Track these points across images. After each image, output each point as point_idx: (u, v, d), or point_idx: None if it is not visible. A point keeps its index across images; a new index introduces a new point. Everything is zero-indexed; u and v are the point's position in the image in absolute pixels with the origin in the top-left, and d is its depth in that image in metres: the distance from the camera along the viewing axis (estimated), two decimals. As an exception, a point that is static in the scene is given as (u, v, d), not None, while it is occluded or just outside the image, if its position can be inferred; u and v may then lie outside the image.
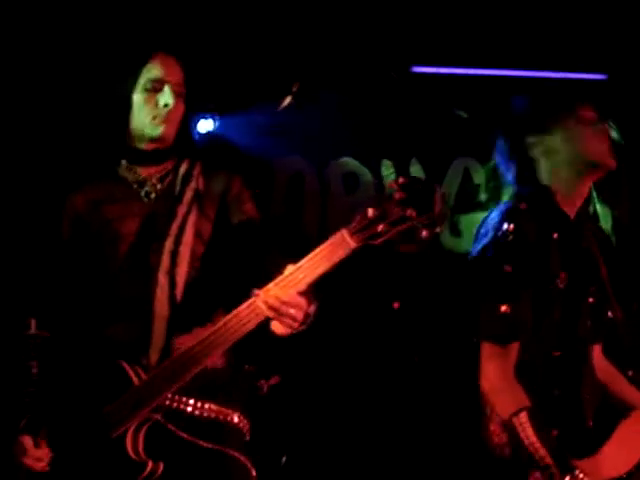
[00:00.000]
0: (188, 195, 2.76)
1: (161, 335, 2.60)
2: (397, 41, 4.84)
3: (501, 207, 2.78)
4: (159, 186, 2.80)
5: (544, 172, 2.81)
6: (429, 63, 5.08)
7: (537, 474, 2.41)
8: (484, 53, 5.07)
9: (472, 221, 5.19)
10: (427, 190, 2.18)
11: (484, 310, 2.59)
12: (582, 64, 5.24)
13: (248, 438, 2.74)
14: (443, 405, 4.51)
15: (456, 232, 5.20)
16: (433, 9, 4.86)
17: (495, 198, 5.34)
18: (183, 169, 2.83)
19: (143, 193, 2.79)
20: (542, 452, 2.41)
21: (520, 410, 2.45)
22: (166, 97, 2.69)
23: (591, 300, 2.71)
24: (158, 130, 2.71)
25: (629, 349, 2.85)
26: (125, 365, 2.53)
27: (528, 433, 2.43)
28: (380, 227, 2.19)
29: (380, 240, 2.21)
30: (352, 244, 2.24)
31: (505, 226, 2.65)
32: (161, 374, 2.51)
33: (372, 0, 4.74)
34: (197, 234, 2.73)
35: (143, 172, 2.81)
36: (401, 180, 2.20)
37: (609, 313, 2.74)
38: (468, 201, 5.22)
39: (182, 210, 2.73)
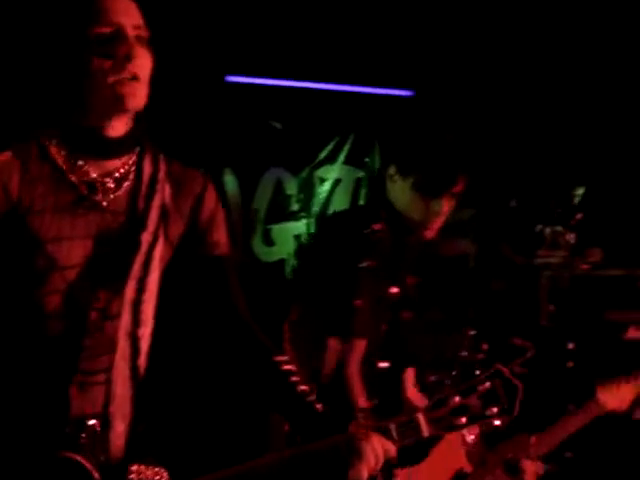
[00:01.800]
0: (154, 214, 1.91)
1: (123, 422, 1.87)
2: (211, 50, 4.84)
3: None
4: (118, 193, 1.91)
5: None
6: (243, 73, 5.10)
7: None
8: (298, 65, 5.15)
9: (284, 231, 5.26)
10: (511, 389, 2.12)
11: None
12: (390, 80, 5.41)
13: None
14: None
15: (268, 241, 5.25)
16: (248, 19, 4.90)
17: (306, 208, 5.46)
18: (148, 167, 1.95)
19: (94, 203, 1.88)
20: None
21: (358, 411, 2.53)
22: (129, 47, 1.82)
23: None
24: (126, 100, 1.84)
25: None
26: (85, 463, 1.81)
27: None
28: (460, 421, 2.10)
29: (452, 432, 2.15)
30: (425, 433, 2.08)
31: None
32: None
33: (186, 8, 4.71)
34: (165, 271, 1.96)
35: (94, 168, 1.88)
36: (487, 374, 2.12)
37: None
38: (280, 211, 5.28)
39: (147, 238, 1.88)
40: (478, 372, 2.14)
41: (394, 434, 2.05)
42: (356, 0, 5.10)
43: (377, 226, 2.76)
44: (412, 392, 2.99)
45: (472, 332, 4.84)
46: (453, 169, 2.90)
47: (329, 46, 5.12)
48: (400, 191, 2.85)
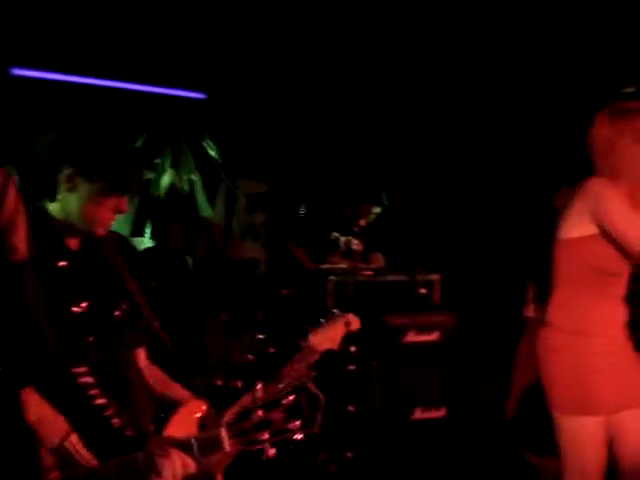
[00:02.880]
0: None
1: None
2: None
3: None
4: None
5: None
6: (30, 66, 4.92)
7: None
8: (89, 62, 5.02)
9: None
10: (314, 403, 2.11)
11: None
12: (183, 82, 5.38)
13: None
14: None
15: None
16: (38, 12, 4.72)
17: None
18: None
19: None
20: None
21: (69, 434, 2.43)
22: None
23: (118, 313, 2.73)
24: None
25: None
26: None
27: (82, 452, 2.43)
28: (262, 435, 2.07)
29: (256, 447, 2.07)
30: (227, 448, 2.05)
31: None
32: None
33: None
34: None
35: None
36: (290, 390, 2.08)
37: (144, 321, 2.79)
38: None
39: None
40: (282, 385, 2.15)
41: (195, 450, 2.02)
42: (150, 1, 5.03)
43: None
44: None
45: (260, 336, 4.89)
46: (137, 167, 2.83)
47: (122, 44, 5.03)
48: (80, 195, 2.69)
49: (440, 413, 5.09)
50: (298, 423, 2.11)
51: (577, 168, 2.95)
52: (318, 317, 3.13)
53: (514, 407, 4.86)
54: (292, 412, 2.12)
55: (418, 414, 5.05)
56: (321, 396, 2.15)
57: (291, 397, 2.11)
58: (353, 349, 4.87)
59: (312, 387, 2.14)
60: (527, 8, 4.16)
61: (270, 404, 2.11)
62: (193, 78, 5.42)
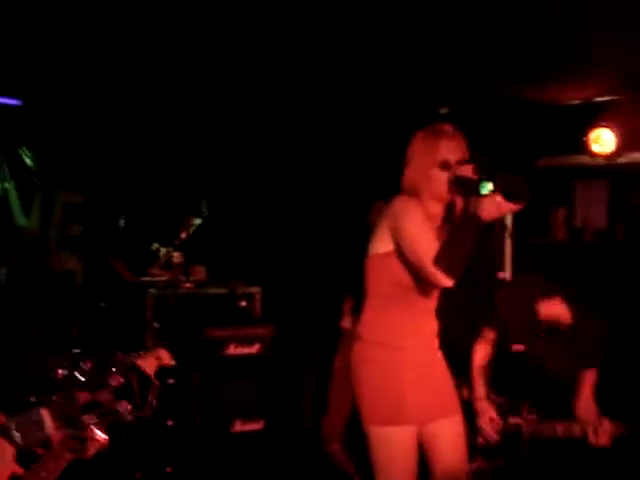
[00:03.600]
0: None
1: None
2: None
3: None
4: None
5: None
6: None
7: None
8: None
9: None
10: (145, 383, 2.01)
11: None
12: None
13: None
14: None
15: None
16: None
17: None
18: None
19: None
20: None
21: None
22: None
23: None
24: None
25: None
26: None
27: None
28: (88, 418, 1.95)
29: (83, 432, 1.96)
30: (50, 430, 1.93)
31: None
32: None
33: None
34: None
35: None
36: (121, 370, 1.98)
37: None
38: None
39: None
40: (114, 369, 2.07)
41: (15, 434, 1.92)
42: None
43: None
44: None
45: (75, 350, 4.76)
46: None
47: None
48: None
49: (259, 425, 5.12)
50: (129, 405, 2.04)
51: (393, 184, 3.03)
52: (134, 348, 3.12)
53: (334, 420, 4.95)
54: (122, 394, 2.03)
55: (238, 426, 5.06)
56: (153, 378, 2.10)
57: (121, 379, 2.05)
58: (172, 363, 4.83)
59: (143, 369, 2.08)
60: (340, 27, 4.26)
61: (97, 385, 2.02)
62: (8, 83, 5.24)
